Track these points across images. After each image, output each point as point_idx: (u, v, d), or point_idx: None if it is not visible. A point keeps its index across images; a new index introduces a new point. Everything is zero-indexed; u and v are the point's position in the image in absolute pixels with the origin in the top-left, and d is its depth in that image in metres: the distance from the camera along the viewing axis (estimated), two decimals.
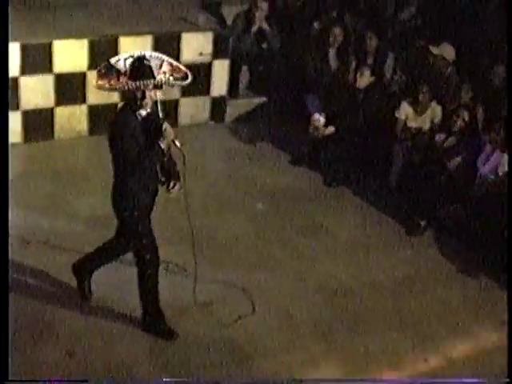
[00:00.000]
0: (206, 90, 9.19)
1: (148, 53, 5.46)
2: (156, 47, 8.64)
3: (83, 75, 8.44)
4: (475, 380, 5.78)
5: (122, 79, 5.34)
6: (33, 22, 8.62)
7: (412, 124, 8.10)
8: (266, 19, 9.34)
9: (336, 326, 6.23)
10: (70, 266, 6.22)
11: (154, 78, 5.32)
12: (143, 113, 5.47)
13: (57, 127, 8.59)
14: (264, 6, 9.28)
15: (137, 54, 5.42)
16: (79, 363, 5.62)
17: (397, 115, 8.11)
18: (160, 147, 5.44)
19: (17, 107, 8.27)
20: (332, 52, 9.10)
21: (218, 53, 9.05)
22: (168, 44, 8.73)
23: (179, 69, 5.50)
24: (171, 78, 5.41)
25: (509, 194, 6.94)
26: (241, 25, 9.38)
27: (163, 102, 8.82)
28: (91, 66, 8.40)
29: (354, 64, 8.74)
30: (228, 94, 9.37)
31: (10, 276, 6.31)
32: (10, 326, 5.78)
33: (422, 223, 7.52)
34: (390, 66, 8.88)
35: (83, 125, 8.69)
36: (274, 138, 9.08)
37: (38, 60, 8.23)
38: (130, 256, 6.58)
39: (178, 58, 8.80)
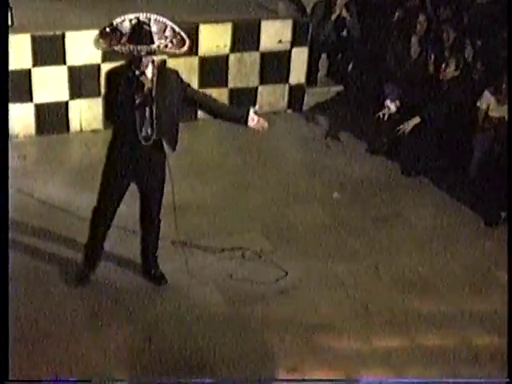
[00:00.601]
0: (285, 78, 9.17)
1: (153, 16, 5.51)
2: (235, 34, 8.69)
3: (163, 62, 8.50)
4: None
5: (123, 41, 5.44)
6: (112, 9, 8.71)
7: (494, 114, 7.92)
8: (345, 6, 9.27)
9: (412, 319, 6.16)
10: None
11: (153, 42, 5.41)
12: (137, 73, 5.52)
13: None
14: None
15: (142, 16, 5.48)
16: (156, 349, 5.66)
17: (478, 105, 7.96)
18: (134, 100, 5.54)
19: (99, 94, 8.38)
20: (414, 40, 8.95)
21: (297, 40, 9.02)
22: (247, 31, 8.76)
23: (180, 36, 5.59)
24: (169, 45, 5.50)
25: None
26: (320, 12, 9.32)
27: (242, 90, 9.01)
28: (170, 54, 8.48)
29: (433, 54, 8.59)
30: (306, 82, 9.33)
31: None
32: (90, 309, 5.94)
33: (503, 214, 7.38)
34: (469, 55, 8.70)
35: None
36: (352, 127, 9.02)
37: None
38: (206, 242, 6.69)
39: (257, 46, 8.85)
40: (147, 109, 5.61)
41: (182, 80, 5.79)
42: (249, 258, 6.60)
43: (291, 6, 9.29)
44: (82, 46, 8.17)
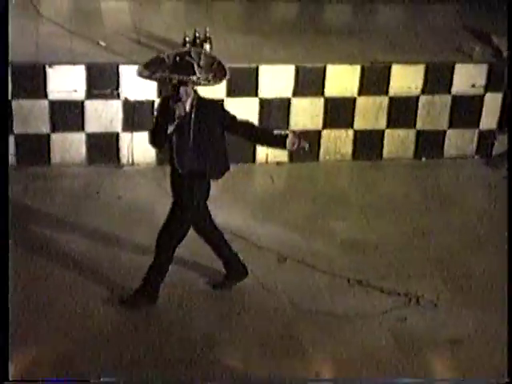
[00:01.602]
0: (475, 123, 8.96)
1: (204, 51, 5.89)
2: (428, 76, 8.60)
3: (353, 100, 8.56)
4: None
5: (166, 71, 5.61)
6: (309, 45, 8.87)
7: None
8: None
9: None
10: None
11: (194, 74, 5.54)
12: (172, 102, 5.69)
13: (322, 149, 8.76)
14: None
15: (193, 51, 5.68)
16: None
17: None
18: (166, 129, 5.70)
19: (287, 127, 8.54)
20: None
21: (491, 85, 8.80)
22: (440, 74, 8.64)
23: (224, 69, 5.72)
24: (209, 77, 5.62)
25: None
26: None
27: (429, 132, 8.86)
28: (361, 92, 8.52)
29: None
30: (498, 128, 9.08)
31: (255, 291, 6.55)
32: (247, 342, 5.99)
33: None
34: None
35: (348, 149, 8.80)
36: None
37: (311, 83, 8.45)
38: (382, 283, 6.60)
39: (449, 89, 8.70)
40: (183, 137, 5.75)
41: (223, 109, 5.93)
42: (424, 304, 6.45)
43: (487, 49, 9.09)
44: (275, 80, 8.36)
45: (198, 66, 5.60)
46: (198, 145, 5.81)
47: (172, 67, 5.62)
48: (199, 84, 5.69)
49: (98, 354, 5.69)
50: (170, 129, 5.72)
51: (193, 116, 5.75)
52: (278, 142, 5.97)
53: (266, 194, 8.11)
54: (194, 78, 5.58)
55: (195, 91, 5.76)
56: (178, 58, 5.62)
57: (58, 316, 6.05)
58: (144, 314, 6.14)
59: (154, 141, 5.96)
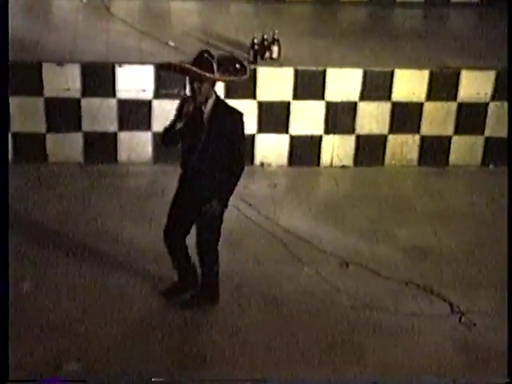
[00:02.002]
0: None
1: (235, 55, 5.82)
2: (498, 83, 8.46)
3: (420, 105, 8.47)
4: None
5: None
6: (377, 49, 8.82)
7: None
8: None
9: None
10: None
11: (212, 72, 5.45)
12: (187, 101, 5.60)
13: (388, 154, 8.70)
14: None
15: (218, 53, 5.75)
16: None
17: None
18: (174, 127, 5.66)
19: (353, 131, 8.52)
20: None
21: None
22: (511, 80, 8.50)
23: (245, 69, 5.65)
24: (230, 76, 5.61)
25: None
26: None
27: (499, 139, 8.69)
28: (429, 98, 8.42)
29: None
30: None
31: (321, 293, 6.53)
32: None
33: None
34: None
35: (414, 154, 8.71)
36: None
37: (378, 87, 8.39)
38: (441, 291, 6.52)
39: None
40: (194, 138, 5.65)
41: (238, 126, 5.70)
42: (483, 315, 6.31)
43: None
44: (342, 83, 8.32)
45: (218, 65, 5.52)
46: (208, 148, 5.67)
47: (190, 62, 5.57)
48: (214, 81, 5.59)
49: (159, 353, 5.77)
50: (178, 126, 5.66)
51: (208, 117, 5.63)
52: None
53: (329, 198, 8.07)
54: (209, 75, 5.47)
55: (216, 93, 5.67)
56: (198, 55, 5.58)
57: (118, 314, 6.14)
58: (204, 315, 6.18)
59: (163, 139, 5.91)
